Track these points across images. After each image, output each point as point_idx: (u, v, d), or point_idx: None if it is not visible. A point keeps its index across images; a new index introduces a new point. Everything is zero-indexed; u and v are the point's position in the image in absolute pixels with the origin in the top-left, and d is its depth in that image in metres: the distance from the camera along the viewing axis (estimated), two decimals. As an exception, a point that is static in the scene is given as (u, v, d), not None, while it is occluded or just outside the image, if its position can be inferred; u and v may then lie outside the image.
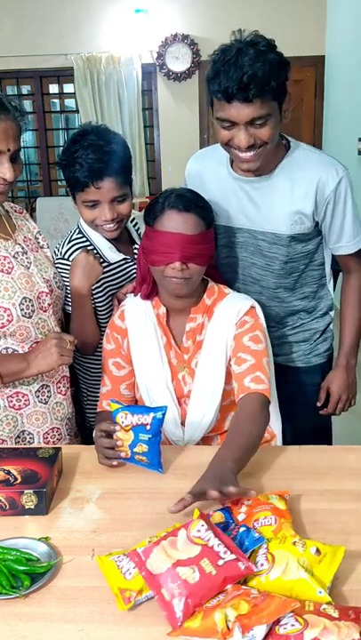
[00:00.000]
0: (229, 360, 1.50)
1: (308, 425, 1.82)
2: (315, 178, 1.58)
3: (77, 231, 1.76)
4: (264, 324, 1.52)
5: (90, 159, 1.57)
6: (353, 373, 1.80)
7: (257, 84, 1.38)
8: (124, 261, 1.77)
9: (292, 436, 1.68)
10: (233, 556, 0.97)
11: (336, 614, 0.88)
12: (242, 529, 1.09)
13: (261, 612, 0.87)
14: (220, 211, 1.64)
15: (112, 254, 1.74)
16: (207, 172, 1.72)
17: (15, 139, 1.38)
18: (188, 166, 1.80)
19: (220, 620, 0.87)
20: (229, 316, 1.50)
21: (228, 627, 0.87)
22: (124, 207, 1.66)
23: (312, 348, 1.84)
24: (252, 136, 1.46)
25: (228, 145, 1.51)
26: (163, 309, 1.55)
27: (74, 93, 5.95)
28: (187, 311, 1.53)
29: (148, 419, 1.31)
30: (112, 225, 1.67)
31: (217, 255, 1.73)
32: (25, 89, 6.22)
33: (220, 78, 1.40)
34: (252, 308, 1.52)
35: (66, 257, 1.69)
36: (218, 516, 1.15)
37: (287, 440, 1.64)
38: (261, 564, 1.00)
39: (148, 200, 6.01)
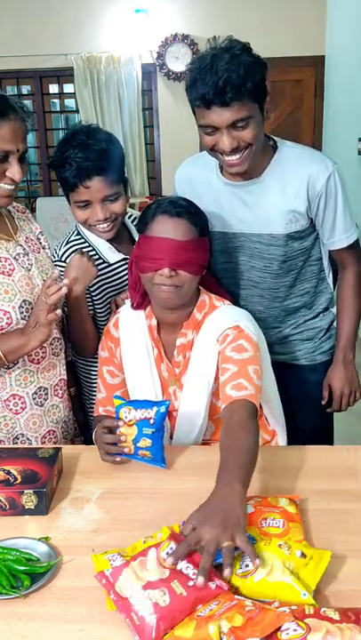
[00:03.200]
0: (216, 375, 1.45)
1: (309, 425, 1.82)
2: (305, 175, 1.59)
3: (75, 232, 1.75)
4: (252, 335, 1.43)
5: (78, 158, 1.57)
6: (352, 367, 1.80)
7: (233, 87, 1.39)
8: (123, 261, 1.76)
9: (294, 436, 1.68)
10: None
11: (337, 616, 0.88)
12: None
13: (256, 626, 0.86)
14: (214, 217, 1.65)
15: (111, 254, 1.74)
16: (197, 179, 1.72)
17: (23, 139, 1.39)
18: (177, 174, 1.81)
19: (215, 633, 0.86)
20: (213, 333, 1.45)
21: (221, 639, 0.86)
22: (117, 206, 1.65)
23: (317, 346, 1.84)
24: (235, 139, 1.46)
25: (213, 150, 1.52)
26: (154, 321, 1.51)
27: (74, 93, 5.95)
28: (178, 325, 1.49)
29: (151, 413, 1.32)
30: (105, 225, 1.66)
31: (214, 262, 1.73)
32: (25, 89, 6.21)
33: (197, 86, 1.42)
34: (237, 326, 1.42)
35: (63, 259, 1.69)
36: None
37: (289, 440, 1.64)
38: (247, 565, 1.00)
39: (148, 200, 6.01)
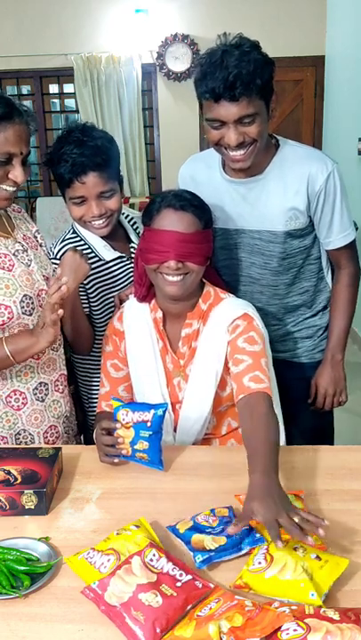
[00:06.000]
0: (225, 365, 1.47)
1: (310, 424, 1.82)
2: (305, 173, 1.60)
3: (71, 231, 1.76)
4: (260, 327, 1.49)
5: (74, 154, 1.58)
6: (339, 368, 1.81)
7: (243, 83, 1.41)
8: (119, 259, 1.76)
9: (295, 436, 1.69)
10: (189, 577, 0.98)
11: (337, 616, 0.88)
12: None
13: (255, 626, 0.87)
14: (216, 213, 1.65)
15: (107, 252, 1.74)
16: (200, 176, 1.73)
17: (27, 142, 1.41)
18: (180, 172, 1.82)
19: (215, 633, 0.87)
20: (222, 323, 1.48)
21: (221, 639, 0.86)
22: (112, 202, 1.66)
23: (316, 344, 1.85)
24: (241, 134, 1.48)
25: (218, 145, 1.54)
26: (159, 313, 1.53)
27: (74, 93, 5.95)
28: (183, 316, 1.51)
29: (148, 415, 1.32)
30: (101, 221, 1.66)
31: (216, 258, 1.74)
32: (25, 89, 6.22)
33: (207, 79, 1.44)
34: (246, 314, 1.48)
35: (58, 256, 1.69)
36: (222, 511, 1.18)
37: (290, 440, 1.64)
38: (259, 562, 1.01)
39: (148, 200, 6.01)
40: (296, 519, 1.02)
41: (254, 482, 1.13)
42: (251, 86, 1.42)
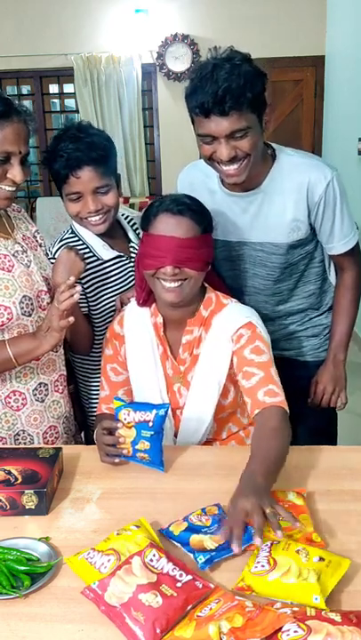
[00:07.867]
0: (228, 376, 1.46)
1: (314, 423, 1.82)
2: (304, 182, 1.59)
3: (70, 231, 1.76)
4: (264, 334, 1.46)
5: (69, 149, 1.59)
6: (341, 367, 1.81)
7: (232, 97, 1.38)
8: (118, 259, 1.76)
9: (298, 434, 1.68)
10: (190, 577, 0.98)
11: (338, 618, 0.87)
12: None
13: (256, 627, 0.86)
14: (217, 225, 1.64)
15: (105, 252, 1.74)
16: (199, 186, 1.72)
17: (26, 142, 1.40)
18: (180, 178, 1.81)
19: (215, 633, 0.86)
20: (225, 332, 1.46)
21: (221, 639, 0.86)
22: (109, 198, 1.65)
23: (322, 342, 1.85)
24: (233, 148, 1.46)
25: (211, 160, 1.52)
26: (160, 318, 1.51)
27: (74, 93, 5.96)
28: (183, 322, 1.49)
29: (150, 415, 1.32)
30: (97, 217, 1.66)
31: (219, 269, 1.73)
32: (25, 89, 6.22)
33: (197, 94, 1.42)
34: (250, 322, 1.46)
35: (56, 256, 1.69)
36: (212, 509, 1.18)
37: (294, 439, 1.64)
38: (262, 566, 1.00)
39: (148, 200, 6.01)
40: (268, 510, 1.03)
41: (239, 485, 1.13)
42: (241, 100, 1.39)
